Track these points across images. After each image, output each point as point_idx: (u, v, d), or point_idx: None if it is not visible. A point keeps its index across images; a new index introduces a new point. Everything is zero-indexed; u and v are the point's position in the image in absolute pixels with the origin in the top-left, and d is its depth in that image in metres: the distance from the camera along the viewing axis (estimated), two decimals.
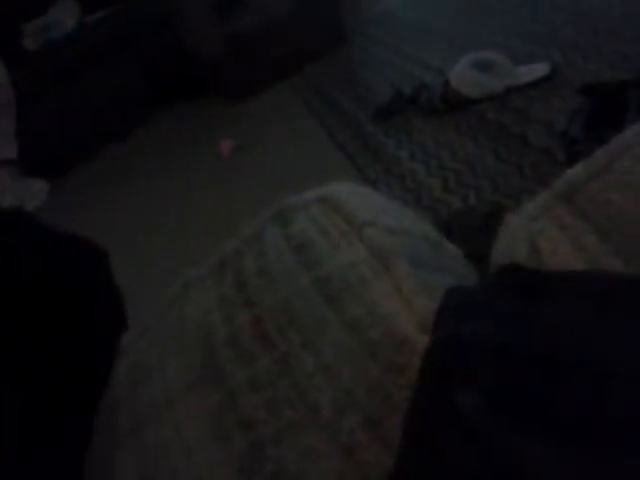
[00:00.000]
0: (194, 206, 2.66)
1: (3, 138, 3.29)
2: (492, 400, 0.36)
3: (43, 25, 3.69)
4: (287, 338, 0.58)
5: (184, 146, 3.25)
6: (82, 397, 0.74)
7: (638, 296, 0.41)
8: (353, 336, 0.55)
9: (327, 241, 0.64)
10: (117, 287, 0.87)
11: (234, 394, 0.57)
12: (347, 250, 0.62)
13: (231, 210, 2.39)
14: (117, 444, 0.65)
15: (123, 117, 3.72)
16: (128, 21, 3.51)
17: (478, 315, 0.44)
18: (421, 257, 0.62)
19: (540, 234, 0.62)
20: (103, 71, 3.58)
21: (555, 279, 0.46)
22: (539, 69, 2.26)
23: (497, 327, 0.41)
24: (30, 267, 0.78)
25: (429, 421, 0.39)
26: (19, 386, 0.71)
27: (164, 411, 0.61)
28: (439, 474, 0.36)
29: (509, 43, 2.63)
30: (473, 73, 2.30)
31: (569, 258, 0.58)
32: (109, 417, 0.70)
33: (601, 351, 0.37)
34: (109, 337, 0.77)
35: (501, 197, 1.87)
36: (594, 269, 0.52)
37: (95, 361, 0.76)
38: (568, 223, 0.60)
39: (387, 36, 3.33)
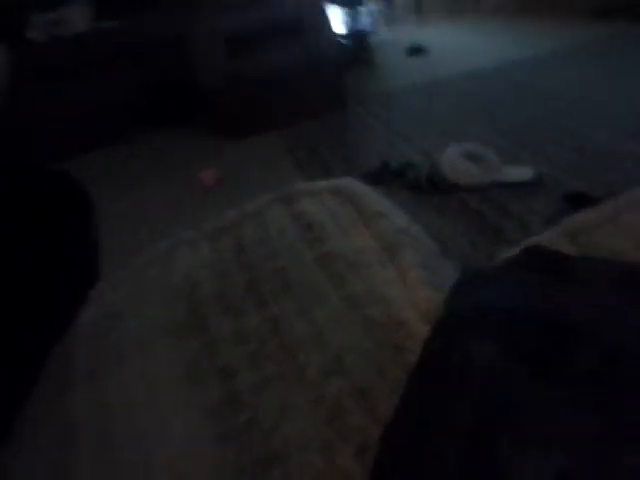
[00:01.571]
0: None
1: None
2: (505, 353, 0.36)
3: (53, 20, 3.70)
4: (281, 303, 0.57)
5: (164, 167, 3.24)
6: (39, 339, 0.70)
7: None
8: (350, 311, 0.54)
9: (336, 225, 0.64)
10: (95, 239, 0.84)
11: (216, 344, 0.55)
12: (355, 236, 0.62)
13: None
14: (71, 388, 0.61)
15: (110, 126, 3.70)
16: (139, 34, 3.55)
17: (496, 284, 0.44)
18: (425, 257, 0.62)
19: None
20: (102, 77, 3.58)
21: (576, 261, 0.47)
22: (524, 173, 2.36)
23: (514, 295, 0.42)
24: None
25: (441, 367, 0.38)
26: None
27: (132, 352, 0.58)
28: (448, 414, 0.35)
29: (498, 142, 2.74)
30: (465, 163, 2.38)
31: None
32: (66, 361, 0.66)
33: (614, 327, 0.37)
34: (79, 285, 0.74)
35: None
36: (617, 259, 0.53)
37: (58, 303, 0.73)
38: None
39: (385, 112, 3.44)
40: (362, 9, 4.59)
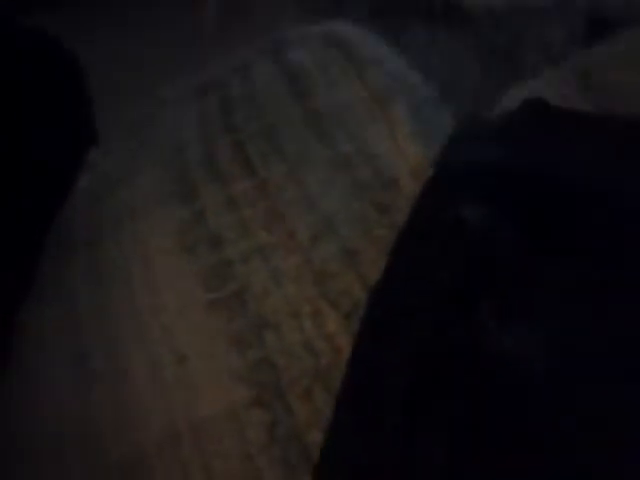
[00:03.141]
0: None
1: None
2: (498, 215, 0.35)
3: None
4: (269, 165, 0.55)
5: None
6: (38, 205, 0.69)
7: None
8: (339, 172, 0.53)
9: (324, 75, 0.60)
10: (89, 98, 0.81)
11: (205, 211, 0.54)
12: (345, 88, 0.58)
13: None
14: (72, 256, 0.62)
15: None
16: None
17: (490, 141, 0.42)
18: (420, 109, 0.59)
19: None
20: None
21: (580, 117, 0.44)
22: None
23: (510, 152, 0.39)
24: None
25: (432, 232, 0.37)
26: None
27: (126, 223, 0.58)
28: (438, 274, 0.35)
29: None
30: None
31: None
32: (66, 230, 0.66)
33: (617, 185, 0.35)
34: (74, 147, 0.72)
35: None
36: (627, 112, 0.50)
37: (55, 168, 0.72)
38: (575, 100, 0.58)
39: None
40: None
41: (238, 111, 0.60)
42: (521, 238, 0.34)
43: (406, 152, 0.52)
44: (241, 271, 0.49)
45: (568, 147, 0.39)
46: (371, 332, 0.38)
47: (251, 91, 0.62)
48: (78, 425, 0.48)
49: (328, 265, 0.47)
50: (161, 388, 0.46)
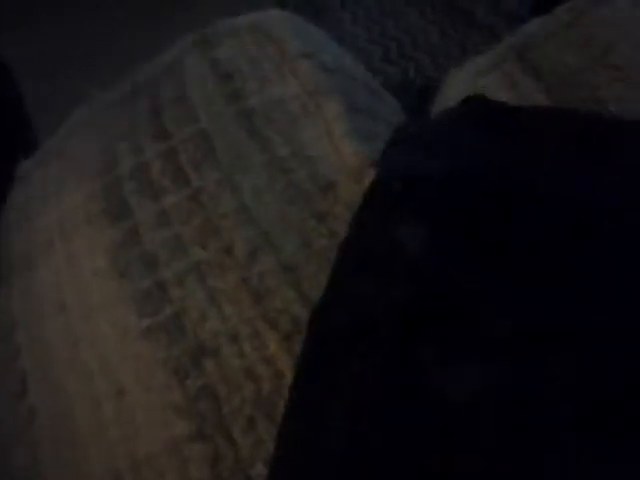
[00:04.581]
0: None
1: None
2: (438, 236, 0.32)
3: None
4: (202, 173, 0.52)
5: None
6: None
7: (607, 138, 0.37)
8: (275, 177, 0.50)
9: (257, 72, 0.57)
10: (21, 107, 0.77)
11: (138, 229, 0.51)
12: (278, 84, 0.55)
13: None
14: (8, 280, 0.59)
15: None
16: None
17: (430, 145, 0.39)
18: (357, 101, 0.56)
19: (487, 90, 0.57)
20: None
21: (522, 113, 0.41)
22: None
23: (451, 158, 0.37)
24: None
25: (370, 256, 0.35)
26: None
27: (58, 244, 0.55)
28: (377, 304, 0.33)
29: None
30: None
31: None
32: (1, 250, 0.63)
33: (560, 188, 0.33)
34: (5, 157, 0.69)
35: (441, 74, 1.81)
36: (566, 107, 0.48)
37: None
38: (518, 79, 0.56)
39: None
40: None
41: (169, 116, 0.57)
42: (465, 262, 0.32)
43: (343, 152, 0.50)
44: (177, 293, 0.47)
45: (512, 150, 0.37)
46: (309, 366, 0.36)
47: (182, 93, 0.59)
48: (20, 468, 0.46)
49: (266, 283, 0.45)
50: (100, 425, 0.44)
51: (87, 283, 0.51)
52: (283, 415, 0.34)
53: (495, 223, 0.34)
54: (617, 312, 0.28)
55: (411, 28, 2.01)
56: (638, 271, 0.29)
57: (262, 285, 0.45)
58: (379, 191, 0.39)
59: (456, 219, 0.34)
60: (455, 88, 0.61)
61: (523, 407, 0.27)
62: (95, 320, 0.49)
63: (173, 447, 0.41)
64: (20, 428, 0.48)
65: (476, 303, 0.31)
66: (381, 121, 0.58)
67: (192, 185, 0.52)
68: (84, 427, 0.45)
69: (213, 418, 0.41)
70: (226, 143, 0.53)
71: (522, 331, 0.29)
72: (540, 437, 0.25)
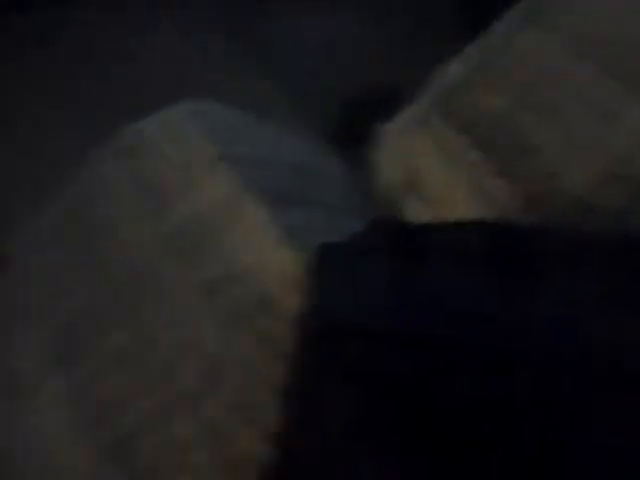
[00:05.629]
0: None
1: None
2: (365, 412, 0.31)
3: None
4: (139, 313, 0.50)
5: None
6: None
7: (513, 256, 0.35)
8: (211, 302, 0.48)
9: (177, 184, 0.55)
10: None
11: (94, 377, 0.50)
12: (199, 192, 0.53)
13: None
14: None
15: None
16: None
17: (350, 284, 0.38)
18: (285, 190, 0.54)
19: (415, 149, 0.55)
20: None
21: (427, 237, 0.39)
22: None
23: (370, 307, 0.36)
24: None
25: (306, 418, 0.34)
26: None
27: (20, 402, 0.54)
28: None
29: None
30: None
31: (448, 178, 0.52)
32: None
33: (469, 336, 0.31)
34: None
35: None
36: (474, 219, 0.46)
37: None
38: (447, 137, 0.54)
39: None
40: None
41: (97, 245, 0.55)
42: (398, 431, 0.31)
43: (272, 259, 0.48)
44: (141, 447, 0.45)
45: (420, 294, 0.35)
46: None
47: (108, 212, 0.57)
48: None
49: (223, 425, 0.44)
50: None
51: (49, 440, 0.49)
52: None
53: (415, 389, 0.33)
54: None
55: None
56: None
57: (220, 428, 0.43)
58: (305, 355, 0.38)
59: (382, 377, 0.32)
60: (385, 148, 0.59)
61: None
62: None
63: None
64: None
65: None
66: (315, 204, 0.56)
67: (134, 325, 0.50)
68: None
69: None
70: (155, 274, 0.51)
71: None
72: None
